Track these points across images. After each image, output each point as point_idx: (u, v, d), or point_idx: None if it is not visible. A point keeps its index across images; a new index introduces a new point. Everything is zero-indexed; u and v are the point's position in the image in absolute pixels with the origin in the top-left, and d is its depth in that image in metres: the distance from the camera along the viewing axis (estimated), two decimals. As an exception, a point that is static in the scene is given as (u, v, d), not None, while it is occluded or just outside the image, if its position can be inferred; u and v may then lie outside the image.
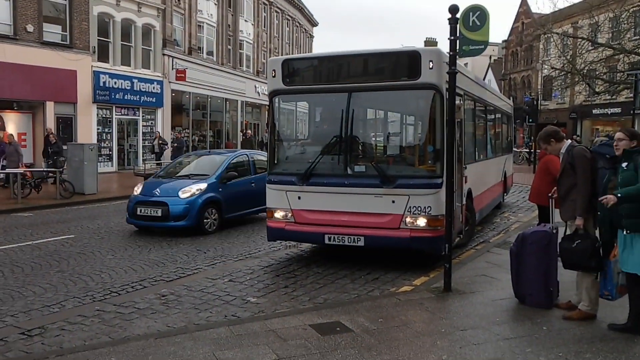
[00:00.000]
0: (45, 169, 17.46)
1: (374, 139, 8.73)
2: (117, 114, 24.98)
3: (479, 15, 6.52)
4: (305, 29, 52.05)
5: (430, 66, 7.10)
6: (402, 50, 7.75)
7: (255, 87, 37.63)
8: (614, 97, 30.13)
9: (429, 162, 7.46)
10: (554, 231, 5.84)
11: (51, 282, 7.17)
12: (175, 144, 23.95)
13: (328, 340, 4.89)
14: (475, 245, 9.37)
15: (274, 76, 7.96)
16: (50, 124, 21.15)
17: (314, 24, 55.51)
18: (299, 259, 8.49)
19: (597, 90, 27.98)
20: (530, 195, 8.66)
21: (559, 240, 5.58)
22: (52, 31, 21.61)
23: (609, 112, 34.65)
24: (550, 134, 5.65)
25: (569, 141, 5.66)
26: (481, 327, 5.21)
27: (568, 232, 5.48)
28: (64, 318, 5.80)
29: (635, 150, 4.83)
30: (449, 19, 6.24)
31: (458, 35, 6.34)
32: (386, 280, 7.15)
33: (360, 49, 11.97)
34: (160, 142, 23.96)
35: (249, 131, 32.26)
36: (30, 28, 20.31)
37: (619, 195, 4.68)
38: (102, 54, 23.81)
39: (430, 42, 49.21)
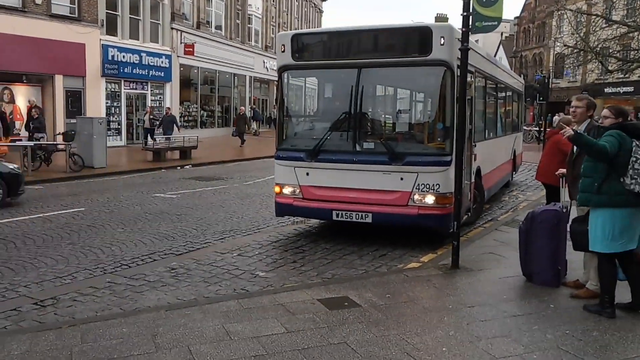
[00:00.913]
0: (55, 142, 17.54)
1: (383, 115, 8.69)
2: (125, 88, 24.92)
3: (493, -9, 6.40)
4: (314, 4, 51.45)
5: (442, 42, 7.02)
6: (413, 26, 7.65)
7: (264, 62, 37.40)
8: (627, 75, 29.72)
9: (439, 139, 7.42)
10: (564, 210, 5.83)
11: (62, 254, 7.27)
12: (161, 119, 22.95)
13: (336, 314, 4.94)
14: (483, 223, 9.37)
15: (283, 51, 7.90)
16: (60, 97, 21.18)
17: (323, -2, 54.84)
18: (307, 235, 8.54)
19: (610, 68, 27.60)
20: (537, 174, 8.61)
21: (569, 219, 5.58)
22: (61, 4, 21.44)
23: (621, 91, 34.23)
24: (595, 105, 5.59)
25: (588, 120, 5.61)
26: (488, 304, 5.24)
27: (575, 212, 5.49)
28: (76, 289, 5.89)
29: (609, 127, 4.82)
30: (462, -6, 6.14)
31: (471, 11, 6.25)
32: (394, 257, 7.19)
33: (371, 24, 11.86)
34: (152, 117, 23.07)
35: (242, 107, 31.72)
36: (38, 0, 20.19)
37: (578, 133, 4.75)
38: (111, 28, 23.67)
39: (441, 18, 48.52)
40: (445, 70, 7.12)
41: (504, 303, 5.30)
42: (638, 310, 4.94)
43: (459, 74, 6.98)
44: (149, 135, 22.11)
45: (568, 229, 5.59)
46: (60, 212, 10.20)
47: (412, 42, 7.46)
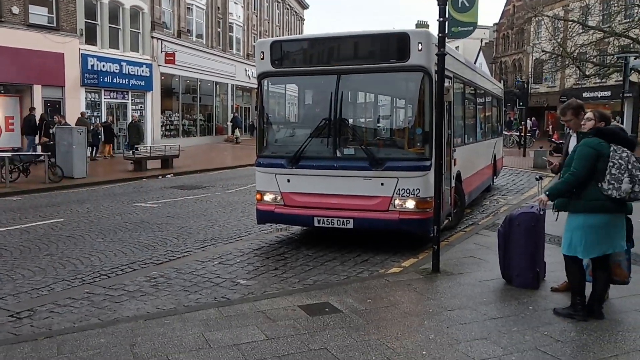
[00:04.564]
0: (34, 153, 17.32)
1: (363, 121, 8.72)
2: (105, 97, 24.72)
3: (468, -3, 6.50)
4: (295, 12, 51.63)
5: (420, 48, 7.08)
6: (392, 32, 7.71)
7: (246, 70, 37.38)
8: (603, 80, 30.25)
9: (418, 144, 7.47)
10: (541, 212, 5.89)
11: (40, 266, 7.16)
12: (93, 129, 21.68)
13: (317, 320, 4.92)
14: (464, 227, 9.44)
15: (263, 58, 7.91)
16: (38, 107, 20.91)
17: (304, 6, 55.08)
18: (289, 242, 8.52)
19: (587, 73, 28.09)
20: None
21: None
22: (39, 13, 21.25)
23: (599, 96, 34.78)
24: (581, 105, 5.44)
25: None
26: (468, 307, 5.27)
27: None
28: (53, 301, 5.80)
29: (587, 132, 4.85)
30: (438, 0, 6.20)
31: (447, 16, 6.32)
32: (375, 262, 7.20)
33: (351, 30, 11.92)
34: (98, 130, 21.97)
35: (135, 114, 25.10)
36: (16, 10, 19.98)
37: (547, 193, 4.92)
38: (90, 37, 23.49)
39: (422, 25, 48.93)
40: (423, 75, 7.18)
41: (484, 306, 5.33)
42: (592, 313, 4.93)
43: (437, 79, 7.06)
44: (94, 148, 21.48)
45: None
46: (38, 223, 10.05)
47: (390, 48, 7.52)
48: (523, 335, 4.57)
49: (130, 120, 24.22)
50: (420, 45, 7.08)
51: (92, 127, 21.92)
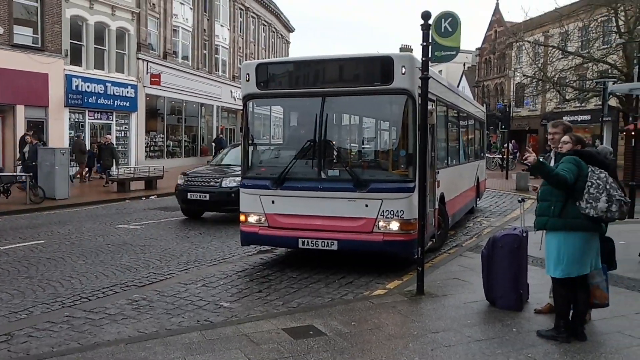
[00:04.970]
0: (17, 174, 17.09)
1: (347, 143, 8.78)
2: (90, 118, 24.57)
3: (451, 22, 6.63)
4: (281, 35, 52.09)
5: (403, 71, 7.18)
6: (376, 56, 7.82)
7: (231, 92, 37.47)
8: (583, 104, 30.81)
9: (402, 166, 7.52)
10: (524, 234, 5.95)
11: (19, 288, 7.02)
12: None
13: (301, 344, 4.88)
14: (448, 249, 9.47)
15: (248, 80, 7.96)
16: (21, 127, 20.70)
17: (290, 29, 55.59)
18: (274, 264, 8.47)
19: (567, 97, 28.61)
20: None
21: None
22: (23, 34, 21.19)
23: (579, 120, 35.38)
24: (571, 128, 5.55)
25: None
26: (453, 330, 5.27)
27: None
28: (32, 324, 5.68)
29: (566, 154, 4.97)
30: (421, 25, 6.32)
31: (430, 41, 6.43)
32: (360, 284, 7.18)
33: (335, 53, 12.09)
34: (25, 151, 17.96)
35: (108, 136, 22.64)
36: (0, 30, 19.91)
37: (540, 160, 4.84)
38: (75, 58, 23.43)
39: (406, 49, 49.65)
40: (407, 98, 7.27)
41: (468, 328, 5.33)
42: (575, 334, 4.95)
43: (420, 102, 7.15)
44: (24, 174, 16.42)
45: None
46: (18, 245, 9.88)
47: (374, 71, 7.61)
48: (507, 358, 4.57)
49: (102, 142, 21.92)
50: (404, 68, 7.18)
51: (88, 149, 21.71)
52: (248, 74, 7.95)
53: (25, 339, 5.26)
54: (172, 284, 7.27)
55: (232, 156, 13.93)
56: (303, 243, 7.57)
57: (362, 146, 8.63)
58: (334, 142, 7.94)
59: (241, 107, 8.29)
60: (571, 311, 4.99)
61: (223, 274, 7.77)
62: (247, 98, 8.04)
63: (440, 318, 5.63)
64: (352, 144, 8.80)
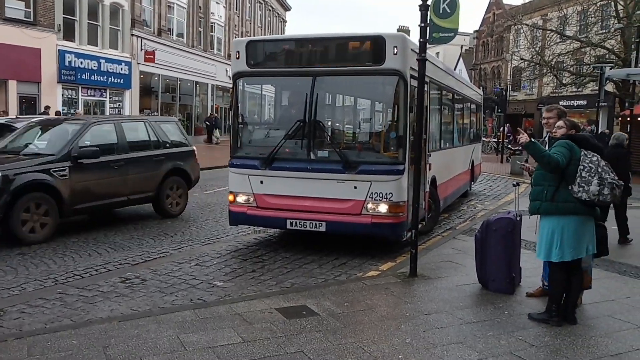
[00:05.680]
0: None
1: (337, 124, 8.69)
2: (83, 94, 24.37)
3: (450, 3, 6.54)
4: (278, 13, 51.57)
5: (395, 52, 7.09)
6: (367, 35, 7.66)
7: (226, 70, 37.05)
8: (580, 89, 30.79)
9: (392, 148, 7.46)
10: (518, 218, 5.96)
11: (11, 265, 7.00)
12: None
13: (294, 323, 4.90)
14: (441, 232, 9.50)
15: (238, 58, 7.84)
16: (13, 103, 20.52)
17: (287, 8, 55.02)
18: (267, 244, 8.47)
19: (564, 82, 28.58)
20: None
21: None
22: (15, 7, 20.86)
23: (575, 104, 35.41)
24: (565, 113, 5.55)
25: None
26: (445, 312, 5.30)
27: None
28: (25, 301, 5.66)
29: (559, 138, 4.97)
30: (419, 6, 6.25)
31: (428, 22, 6.36)
32: (353, 265, 7.20)
33: (328, 32, 11.90)
34: None
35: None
36: (-9, 3, 19.62)
37: (531, 140, 4.82)
38: (68, 33, 23.13)
39: (403, 30, 49.33)
40: (398, 79, 7.19)
41: (460, 310, 5.36)
42: (566, 318, 4.99)
43: (412, 83, 7.08)
44: None
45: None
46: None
47: (366, 51, 7.50)
48: (498, 340, 4.61)
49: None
50: (395, 49, 7.09)
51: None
52: (238, 52, 7.83)
53: (18, 315, 5.26)
54: (166, 262, 7.26)
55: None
56: (291, 224, 7.54)
57: (352, 127, 8.57)
58: (324, 123, 7.86)
59: (236, 86, 8.18)
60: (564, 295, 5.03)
61: (217, 254, 7.77)
62: (237, 76, 7.93)
63: (432, 300, 5.67)
64: (342, 125, 8.73)
